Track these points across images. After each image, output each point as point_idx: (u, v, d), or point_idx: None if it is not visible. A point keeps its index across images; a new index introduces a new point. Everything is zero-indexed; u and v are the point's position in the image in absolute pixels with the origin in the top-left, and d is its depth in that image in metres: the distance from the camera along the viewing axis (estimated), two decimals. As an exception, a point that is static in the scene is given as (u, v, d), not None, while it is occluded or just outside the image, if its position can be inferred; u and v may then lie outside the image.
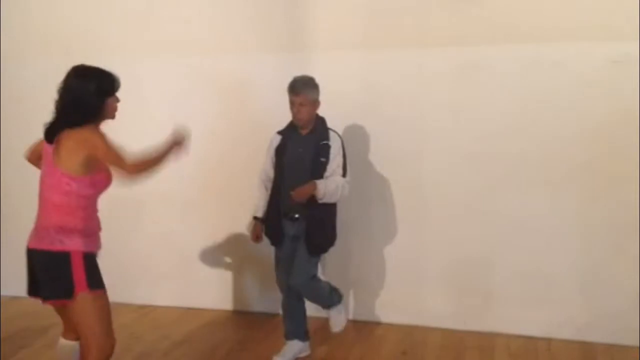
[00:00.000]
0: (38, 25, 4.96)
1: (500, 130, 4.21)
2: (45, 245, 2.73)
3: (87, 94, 2.72)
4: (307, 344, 3.98)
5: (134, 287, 4.98)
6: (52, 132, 2.74)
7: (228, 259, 4.87)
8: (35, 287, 2.82)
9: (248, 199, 4.65)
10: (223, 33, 4.64)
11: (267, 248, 4.66)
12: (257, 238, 3.91)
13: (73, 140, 2.70)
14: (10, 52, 4.89)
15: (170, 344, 4.27)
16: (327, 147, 3.67)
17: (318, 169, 3.65)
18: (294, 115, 3.70)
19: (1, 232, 5.11)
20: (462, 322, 4.42)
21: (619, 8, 3.93)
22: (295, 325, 3.92)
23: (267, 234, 3.89)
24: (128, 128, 4.75)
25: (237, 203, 4.74)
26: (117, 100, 2.85)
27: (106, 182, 2.87)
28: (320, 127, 3.73)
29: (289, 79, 3.69)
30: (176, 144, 2.93)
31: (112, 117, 2.85)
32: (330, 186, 3.61)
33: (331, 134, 3.73)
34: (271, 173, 3.84)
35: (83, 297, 2.73)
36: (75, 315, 2.77)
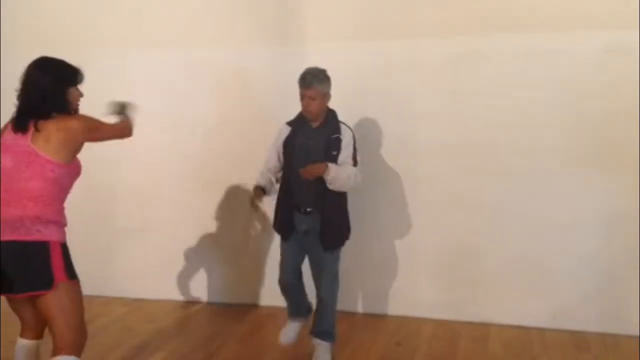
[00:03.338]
0: (40, 20, 4.90)
1: (493, 121, 4.21)
2: (21, 236, 2.65)
3: (47, 84, 2.74)
4: (308, 317, 3.92)
5: (126, 280, 4.94)
6: (24, 121, 2.71)
7: (220, 252, 4.85)
8: (3, 282, 2.71)
9: (240, 191, 4.66)
10: (216, 26, 4.61)
11: (262, 241, 4.68)
12: (255, 206, 3.69)
13: (63, 130, 2.71)
14: (11, 47, 4.83)
15: (163, 337, 4.24)
16: (339, 140, 3.61)
17: (329, 162, 3.57)
18: (304, 108, 3.61)
19: None
20: (455, 313, 4.43)
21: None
22: (300, 306, 3.88)
23: (277, 228, 3.81)
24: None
25: (229, 196, 4.73)
26: (80, 93, 2.86)
27: (79, 171, 2.87)
28: (331, 120, 3.67)
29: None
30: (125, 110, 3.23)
31: (75, 109, 2.85)
32: (341, 172, 3.53)
33: (342, 127, 3.66)
34: (275, 164, 3.75)
35: (63, 287, 2.69)
36: (51, 306, 2.70)
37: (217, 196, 4.78)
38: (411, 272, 4.51)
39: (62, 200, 2.82)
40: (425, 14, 4.22)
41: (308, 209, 3.64)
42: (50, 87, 2.74)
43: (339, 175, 3.52)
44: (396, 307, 4.56)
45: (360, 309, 4.61)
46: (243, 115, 4.60)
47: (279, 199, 3.77)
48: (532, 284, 4.28)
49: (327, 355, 3.75)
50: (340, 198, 3.69)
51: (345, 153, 3.60)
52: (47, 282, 2.66)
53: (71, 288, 2.74)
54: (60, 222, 2.77)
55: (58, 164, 2.70)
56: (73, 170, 2.81)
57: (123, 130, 3.13)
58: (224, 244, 4.84)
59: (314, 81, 3.56)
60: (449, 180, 4.34)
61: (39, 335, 2.92)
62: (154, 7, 4.71)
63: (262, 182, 3.76)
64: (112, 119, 3.13)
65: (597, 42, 3.98)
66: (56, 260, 2.68)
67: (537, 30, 4.05)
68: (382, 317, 4.53)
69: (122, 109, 3.25)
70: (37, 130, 2.69)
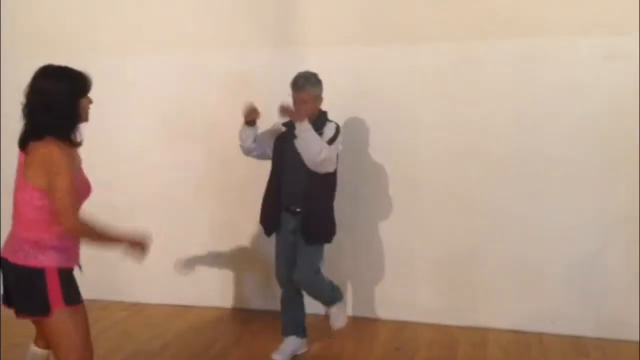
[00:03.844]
0: (40, 24, 4.91)
1: (492, 126, 4.22)
2: (19, 260, 2.58)
3: (59, 96, 2.52)
4: (304, 340, 3.97)
5: (126, 284, 4.95)
6: (25, 140, 2.56)
7: (220, 257, 4.85)
8: (9, 297, 2.66)
9: (241, 195, 4.67)
10: (215, 29, 4.62)
11: (259, 245, 4.68)
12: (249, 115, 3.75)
13: (38, 155, 2.51)
14: (10, 50, 4.85)
15: (162, 342, 4.25)
16: (321, 134, 3.65)
17: None
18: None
19: (1, 232, 5.05)
20: (454, 318, 4.43)
21: (611, 2, 3.95)
22: (294, 321, 3.92)
23: (262, 223, 3.89)
24: (118, 125, 4.82)
25: (229, 200, 4.74)
26: (90, 101, 2.66)
27: (85, 192, 2.69)
28: (319, 121, 3.71)
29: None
30: (135, 243, 2.78)
31: (86, 119, 2.66)
32: (311, 135, 3.53)
33: (328, 123, 3.72)
34: (261, 140, 3.79)
35: (60, 314, 2.58)
36: (50, 332, 2.63)
37: (216, 200, 4.78)
38: (410, 277, 4.52)
39: None
40: (424, 19, 4.24)
41: (297, 209, 3.70)
42: (62, 101, 2.53)
43: (309, 137, 3.53)
44: (395, 311, 4.56)
45: (359, 313, 4.61)
46: (241, 119, 4.59)
47: (265, 196, 3.84)
48: (531, 288, 4.28)
49: (338, 314, 3.87)
50: (326, 195, 3.76)
51: (324, 137, 3.63)
52: (43, 309, 2.57)
53: (70, 314, 2.62)
54: (61, 247, 2.62)
55: (44, 192, 2.53)
56: (77, 193, 2.60)
57: (73, 223, 2.56)
58: (224, 248, 4.84)
59: (306, 84, 3.62)
60: (447, 185, 4.34)
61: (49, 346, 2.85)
62: (154, 10, 4.72)
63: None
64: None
65: (595, 48, 3.99)
66: (52, 287, 2.57)
67: (536, 36, 4.07)
68: (381, 322, 4.53)
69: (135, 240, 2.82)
70: (28, 152, 2.54)
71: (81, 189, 2.65)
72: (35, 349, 2.92)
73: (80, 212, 2.64)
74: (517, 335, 4.25)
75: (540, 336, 4.22)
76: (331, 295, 3.86)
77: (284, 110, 3.57)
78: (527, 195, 4.22)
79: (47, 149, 2.50)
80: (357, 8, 4.36)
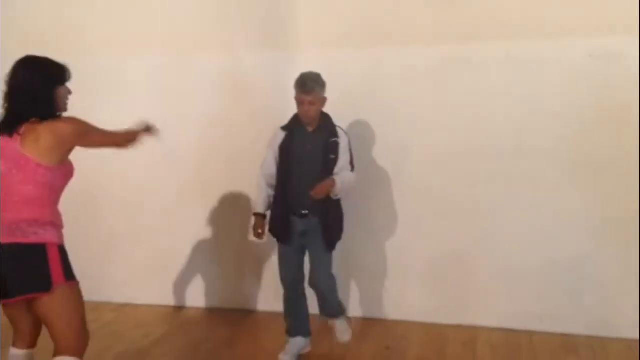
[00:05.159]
0: (33, 23, 4.86)
1: (483, 128, 4.22)
2: (18, 239, 2.62)
3: (34, 84, 2.66)
4: (309, 339, 3.95)
5: (114, 285, 4.93)
6: (13, 125, 2.66)
7: (209, 257, 4.84)
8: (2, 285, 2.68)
9: (230, 195, 4.66)
10: (207, 31, 4.58)
11: (249, 246, 4.67)
12: (259, 235, 3.82)
13: (53, 133, 2.64)
14: (3, 51, 4.81)
15: (151, 342, 4.23)
16: (336, 144, 3.64)
17: (328, 166, 3.63)
18: (304, 113, 3.60)
19: None
20: (444, 317, 4.44)
21: (604, 3, 3.96)
22: (300, 322, 3.89)
23: (273, 231, 3.81)
24: (111, 124, 4.78)
25: (219, 200, 4.73)
26: (69, 91, 2.79)
27: (72, 173, 2.84)
28: (327, 124, 3.69)
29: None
30: (148, 130, 3.13)
31: (64, 108, 2.78)
32: (345, 182, 3.64)
33: (339, 131, 3.70)
34: (273, 169, 3.74)
35: (62, 289, 2.66)
36: (51, 309, 2.67)
37: (206, 201, 4.76)
38: (400, 276, 4.52)
39: (56, 202, 2.80)
40: (417, 21, 4.23)
41: (304, 212, 3.67)
42: (37, 89, 2.66)
43: (344, 186, 3.64)
44: (385, 311, 4.56)
45: (349, 312, 4.60)
46: (233, 120, 4.59)
47: (275, 204, 3.78)
48: (521, 287, 4.29)
49: (345, 327, 3.90)
50: (338, 200, 3.76)
51: (344, 158, 3.67)
52: (46, 284, 2.63)
53: (71, 290, 2.71)
54: (56, 224, 2.75)
55: (48, 167, 2.66)
56: (65, 172, 2.77)
57: (118, 139, 3.01)
58: (213, 249, 4.83)
59: (315, 87, 3.56)
60: (438, 186, 4.35)
61: (32, 345, 2.88)
62: (147, 12, 4.68)
63: (262, 209, 3.81)
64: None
65: (582, 49, 4.01)
66: (54, 262, 2.65)
67: (526, 37, 4.07)
68: (371, 321, 4.53)
69: (145, 128, 3.15)
70: (26, 133, 2.63)
71: (65, 171, 2.77)
72: (16, 351, 2.88)
73: (61, 195, 2.80)
74: (507, 333, 4.26)
75: (530, 334, 4.24)
76: (340, 305, 3.89)
77: (318, 194, 3.55)
78: (517, 195, 4.23)
79: (58, 126, 2.66)
80: (350, 9, 4.34)
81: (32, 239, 2.63)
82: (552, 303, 4.26)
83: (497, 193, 4.26)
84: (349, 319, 4.01)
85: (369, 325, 4.47)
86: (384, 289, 4.56)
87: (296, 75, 3.64)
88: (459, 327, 4.37)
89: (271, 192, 3.78)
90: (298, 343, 3.88)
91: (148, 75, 4.73)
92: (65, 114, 2.79)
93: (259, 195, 3.81)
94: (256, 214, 3.82)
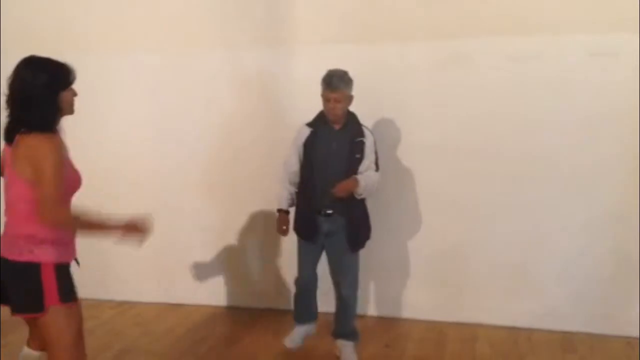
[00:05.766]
0: (38, 23, 4.85)
1: (482, 124, 4.22)
2: (14, 256, 2.52)
3: (39, 88, 2.46)
4: (314, 324, 3.95)
5: (114, 283, 4.93)
6: (11, 132, 2.50)
7: (210, 255, 4.84)
8: (4, 296, 2.60)
9: (232, 194, 4.66)
10: (206, 29, 4.58)
11: (250, 244, 4.67)
12: (284, 231, 3.80)
13: (25, 148, 2.46)
14: (10, 50, 4.80)
15: (151, 340, 4.23)
16: (362, 143, 3.62)
17: (353, 165, 3.60)
18: (330, 111, 3.57)
19: (1, 229, 5.01)
20: (443, 314, 4.45)
21: (604, 2, 3.96)
22: (308, 310, 3.90)
23: (299, 230, 3.78)
24: (109, 124, 4.79)
25: (221, 199, 4.72)
26: (74, 93, 2.59)
27: (75, 183, 2.63)
28: (353, 123, 3.67)
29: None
30: (131, 228, 2.65)
31: (70, 112, 2.59)
32: (369, 183, 3.60)
33: (365, 130, 3.68)
34: (296, 166, 3.72)
35: (54, 311, 2.53)
36: (45, 329, 2.57)
37: (207, 198, 4.76)
38: (399, 274, 4.52)
39: None
40: (415, 16, 4.23)
41: (329, 212, 3.63)
42: (41, 92, 2.47)
43: (367, 186, 3.60)
44: (385, 308, 4.57)
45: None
46: (233, 118, 4.59)
47: (299, 201, 3.76)
48: (520, 285, 4.30)
49: (353, 354, 3.82)
50: (362, 200, 3.72)
51: (368, 160, 3.64)
52: (38, 306, 2.51)
53: (65, 311, 2.56)
54: (57, 241, 2.56)
55: (33, 184, 2.46)
56: (67, 184, 2.55)
57: (51, 215, 2.47)
58: (214, 247, 4.82)
59: (340, 84, 3.53)
60: (438, 183, 4.35)
61: (44, 347, 2.77)
62: (146, 10, 4.67)
63: (285, 205, 3.79)
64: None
65: (587, 46, 4.00)
66: (47, 283, 2.51)
67: (525, 34, 4.07)
68: (370, 319, 4.54)
69: (130, 225, 2.67)
70: (16, 145, 2.48)
71: (71, 180, 2.60)
72: (28, 351, 2.86)
73: (71, 203, 2.61)
74: (506, 331, 4.27)
75: (529, 332, 4.25)
76: (355, 328, 3.87)
77: (339, 192, 3.51)
78: (517, 193, 4.23)
79: (34, 141, 2.44)
80: (349, 6, 4.33)
81: (26, 257, 2.51)
82: (551, 300, 4.26)
83: (498, 191, 4.26)
84: (356, 348, 3.90)
85: (368, 322, 4.47)
86: (384, 287, 4.57)
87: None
88: (458, 325, 4.37)
89: (293, 190, 3.77)
90: (304, 329, 3.89)
91: (147, 73, 4.72)
92: (69, 117, 2.63)
93: (283, 192, 3.79)
94: (280, 210, 3.81)
